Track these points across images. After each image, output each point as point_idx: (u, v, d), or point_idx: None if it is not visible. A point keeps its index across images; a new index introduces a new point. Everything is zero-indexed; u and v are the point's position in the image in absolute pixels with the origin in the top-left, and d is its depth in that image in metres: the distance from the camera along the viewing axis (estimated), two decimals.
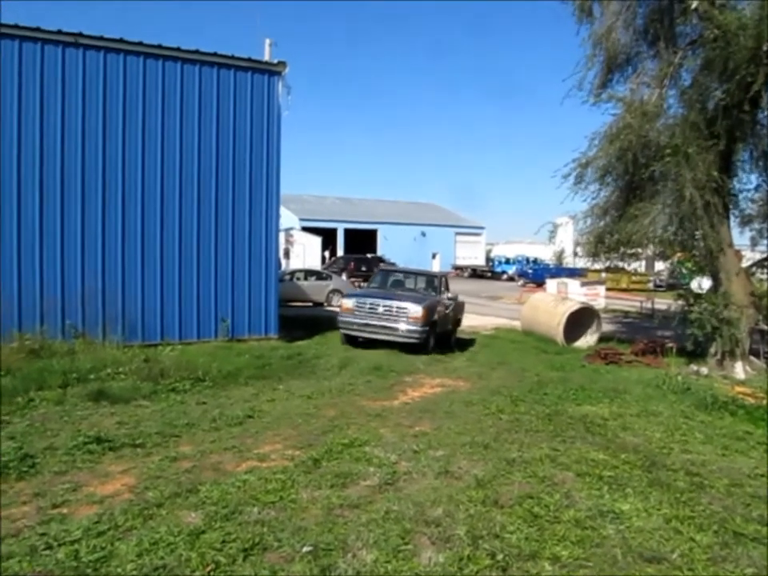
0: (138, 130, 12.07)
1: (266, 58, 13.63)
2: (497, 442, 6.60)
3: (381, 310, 12.95)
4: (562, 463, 5.97)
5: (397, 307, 12.85)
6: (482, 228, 67.85)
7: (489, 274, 53.43)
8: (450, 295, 15.01)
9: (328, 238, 52.30)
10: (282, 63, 13.42)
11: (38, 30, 11.15)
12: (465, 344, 15.81)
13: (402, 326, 12.74)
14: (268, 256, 13.27)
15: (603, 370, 12.33)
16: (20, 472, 5.45)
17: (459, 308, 16.28)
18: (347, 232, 57.73)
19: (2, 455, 5.74)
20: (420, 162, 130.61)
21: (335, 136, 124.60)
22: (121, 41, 11.89)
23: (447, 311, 14.36)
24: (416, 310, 12.69)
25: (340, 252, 54.07)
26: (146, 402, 8.13)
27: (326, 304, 23.36)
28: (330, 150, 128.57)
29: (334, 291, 23.92)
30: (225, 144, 12.87)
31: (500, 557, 4.08)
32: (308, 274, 25.26)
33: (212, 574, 3.75)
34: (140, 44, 12.08)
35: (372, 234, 58.89)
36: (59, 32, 11.34)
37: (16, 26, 10.98)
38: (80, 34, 11.52)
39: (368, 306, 13.06)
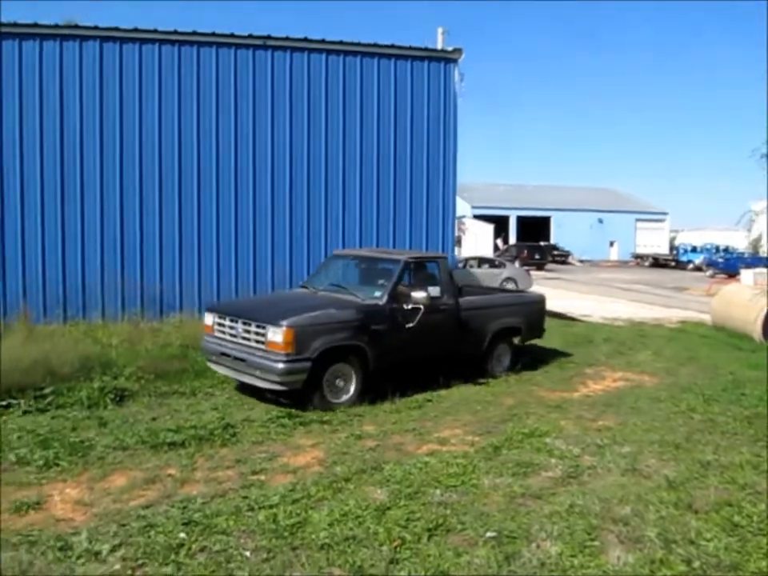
0: (321, 125, 12.68)
1: (439, 46, 13.68)
2: (689, 442, 6.18)
3: (240, 331, 7.71)
4: (766, 471, 5.46)
5: (256, 328, 7.48)
6: (665, 214, 63.50)
7: (672, 263, 49.80)
8: (432, 292, 8.25)
9: (500, 225, 51.76)
10: (458, 50, 13.39)
11: (231, 35, 12.10)
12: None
13: (261, 361, 7.29)
14: (445, 244, 13.37)
15: None
16: (223, 439, 6.04)
17: (503, 310, 9.74)
18: (519, 220, 56.73)
19: (208, 423, 6.37)
20: (597, 145, 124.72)
21: (507, 121, 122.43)
22: (305, 40, 12.54)
23: (423, 321, 8.02)
24: (275, 332, 7.14)
25: (512, 240, 53.31)
26: None
27: None
28: (502, 136, 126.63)
29: (508, 279, 23.62)
30: (402, 134, 13.13)
31: (696, 564, 3.83)
32: (481, 261, 25.19)
33: (399, 549, 3.89)
34: (322, 41, 12.65)
35: (545, 222, 57.39)
36: (250, 36, 12.21)
37: (213, 34, 12.02)
38: (268, 37, 12.32)
39: (227, 325, 7.95)
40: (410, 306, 8.01)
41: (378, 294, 8.17)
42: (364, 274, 9.35)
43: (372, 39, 13.10)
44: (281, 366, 7.05)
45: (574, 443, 6.00)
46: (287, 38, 12.47)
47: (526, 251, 39.81)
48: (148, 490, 4.82)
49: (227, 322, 7.97)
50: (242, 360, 7.54)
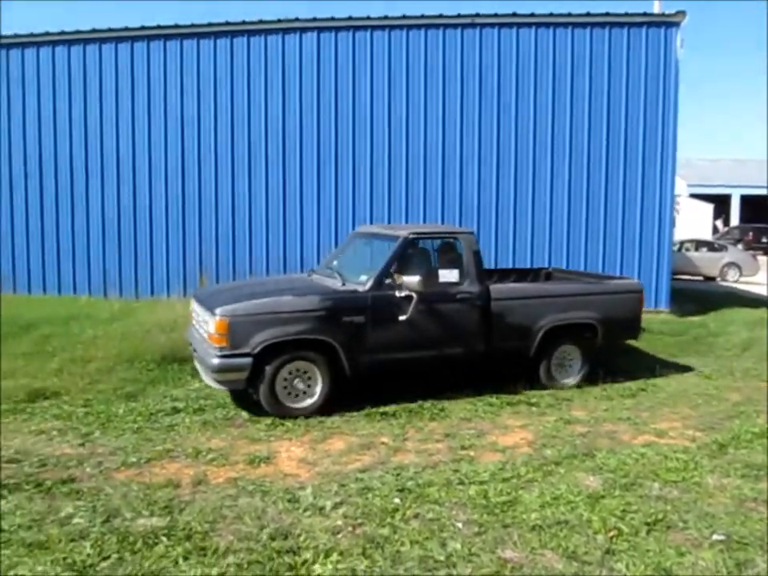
0: (530, 104, 12.36)
1: (656, 9, 12.68)
2: None
3: (200, 320, 6.78)
4: None
5: (206, 316, 6.46)
6: None
7: None
8: (446, 276, 6.77)
9: (720, 205, 47.25)
10: (681, 13, 12.22)
11: (440, 16, 12.32)
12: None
13: (202, 355, 6.40)
14: (661, 226, 12.41)
15: None
16: (432, 413, 6.25)
17: (564, 300, 7.44)
18: (743, 199, 51.30)
19: (417, 397, 6.63)
20: None
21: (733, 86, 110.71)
22: (514, 15, 12.29)
23: (428, 313, 6.60)
24: (211, 322, 6.20)
25: (734, 221, 48.46)
26: None
27: (719, 278, 21.22)
28: (729, 103, 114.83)
29: (730, 264, 21.57)
30: (616, 108, 12.34)
31: None
32: (699, 244, 23.19)
33: (614, 539, 3.74)
34: (532, 15, 12.30)
35: None
36: (458, 16, 12.29)
37: (422, 16, 12.30)
38: (477, 15, 12.28)
39: (196, 311, 7.05)
40: (403, 294, 6.44)
41: (364, 278, 6.66)
42: (368, 255, 7.77)
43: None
44: (215, 361, 6.01)
45: None
46: (495, 15, 12.33)
47: (751, 233, 36.03)
48: (364, 455, 5.11)
49: (195, 311, 7.07)
50: (198, 357, 6.63)
